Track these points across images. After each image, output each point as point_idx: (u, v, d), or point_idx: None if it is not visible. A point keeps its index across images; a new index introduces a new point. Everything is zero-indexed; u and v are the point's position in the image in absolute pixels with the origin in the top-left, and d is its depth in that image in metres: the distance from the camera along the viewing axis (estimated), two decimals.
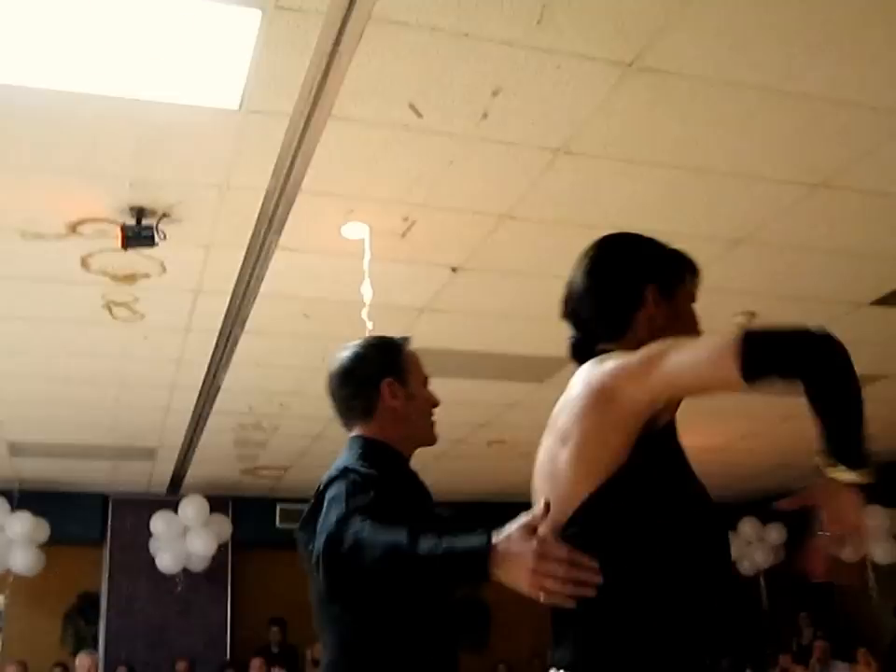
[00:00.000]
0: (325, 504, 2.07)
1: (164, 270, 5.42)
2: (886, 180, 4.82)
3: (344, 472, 2.19)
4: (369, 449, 2.36)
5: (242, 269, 5.40)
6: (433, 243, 5.24)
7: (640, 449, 1.83)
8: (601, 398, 1.86)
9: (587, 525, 1.83)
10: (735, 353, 1.69)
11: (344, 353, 2.47)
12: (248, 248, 5.14)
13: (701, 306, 7.33)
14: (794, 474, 9.77)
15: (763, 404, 8.37)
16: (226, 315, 6.13)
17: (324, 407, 8.58)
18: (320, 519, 2.02)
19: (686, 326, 2.11)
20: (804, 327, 1.70)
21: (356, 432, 2.45)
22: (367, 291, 5.02)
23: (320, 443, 9.30)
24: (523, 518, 1.82)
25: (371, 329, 4.93)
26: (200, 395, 7.74)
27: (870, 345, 7.20)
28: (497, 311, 6.32)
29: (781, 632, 12.15)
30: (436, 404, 2.54)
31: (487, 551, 1.78)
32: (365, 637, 2.20)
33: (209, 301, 5.92)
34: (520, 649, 11.57)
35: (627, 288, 2.05)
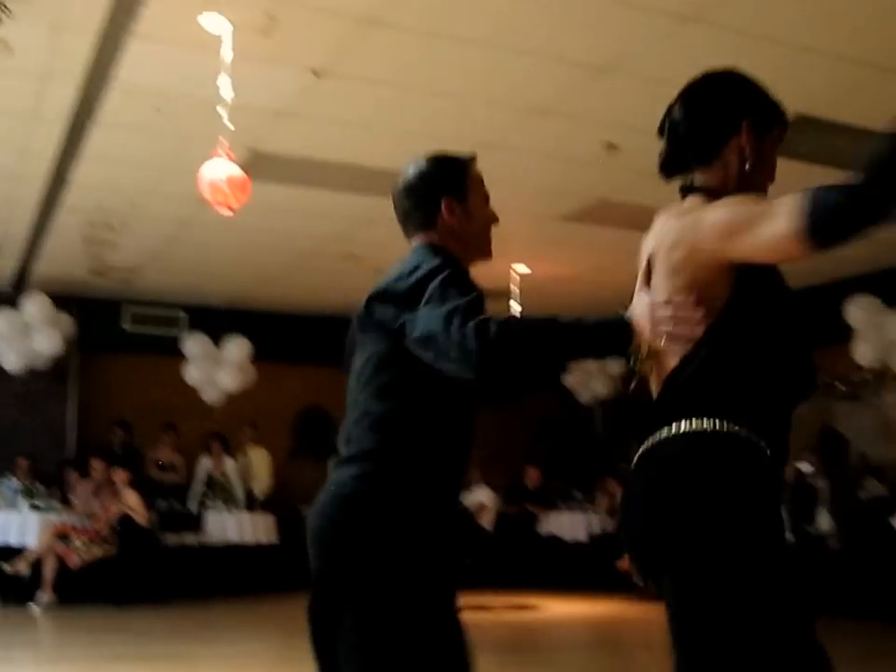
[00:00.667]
0: (435, 292, 2.12)
1: (10, 50, 5.02)
2: (752, 20, 4.82)
3: (442, 265, 2.22)
4: (440, 251, 2.36)
5: (92, 55, 5.04)
6: (297, 43, 4.99)
7: (740, 288, 2.06)
8: (693, 250, 2.05)
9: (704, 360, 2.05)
10: (807, 231, 1.89)
11: (411, 167, 2.49)
12: (99, 33, 4.79)
13: (563, 133, 7.32)
14: None
15: (610, 237, 8.53)
16: (75, 105, 5.76)
17: (177, 209, 8.30)
18: (434, 306, 2.09)
19: (767, 172, 2.20)
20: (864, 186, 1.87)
21: (419, 241, 2.44)
22: (226, 89, 4.77)
23: (174, 247, 9.05)
24: (638, 282, 2.13)
25: (229, 129, 4.72)
26: (46, 188, 7.36)
27: None
28: (360, 121, 6.13)
29: (613, 458, 12.86)
30: (495, 222, 2.53)
31: (623, 321, 2.09)
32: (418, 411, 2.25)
33: (57, 89, 5.54)
34: None
35: (726, 115, 2.16)
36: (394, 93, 5.61)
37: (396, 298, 2.20)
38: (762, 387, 2.06)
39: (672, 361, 2.07)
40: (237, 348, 10.73)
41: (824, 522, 8.97)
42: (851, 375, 10.78)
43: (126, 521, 9.41)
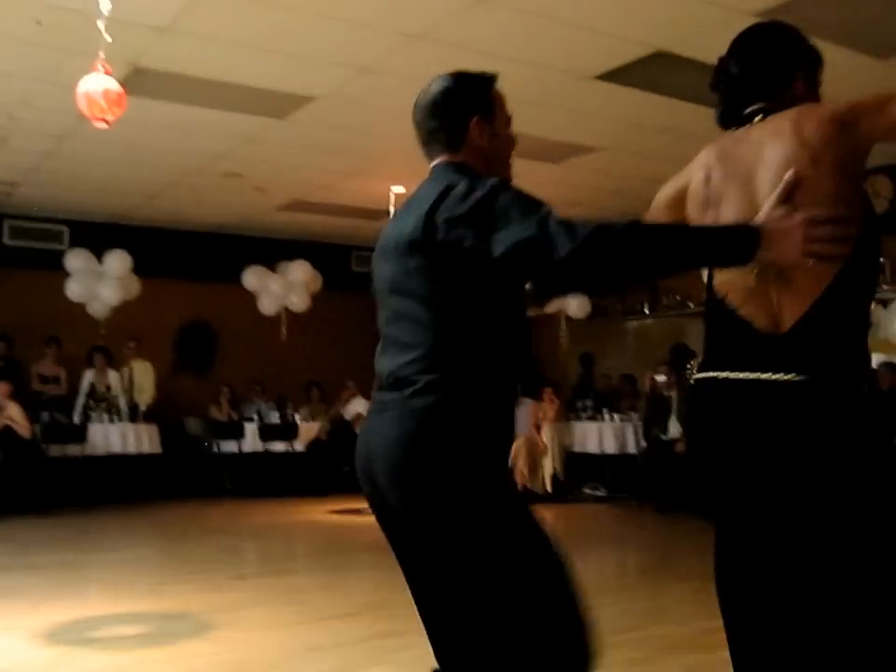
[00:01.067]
0: (513, 204, 1.99)
1: None
2: None
3: (502, 182, 2.07)
4: (469, 169, 2.19)
5: None
6: None
7: (868, 211, 2.08)
8: (842, 126, 2.02)
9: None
10: None
11: (433, 84, 2.28)
12: None
13: (437, 61, 7.35)
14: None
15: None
16: None
17: (57, 122, 8.06)
18: (521, 216, 1.96)
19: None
20: None
21: (443, 159, 2.26)
22: (104, 2, 4.62)
23: (54, 161, 8.76)
24: (773, 197, 2.03)
25: (108, 43, 4.59)
26: None
27: (591, 118, 7.53)
28: (242, 40, 6.01)
29: None
30: (515, 145, 2.35)
31: (758, 231, 1.94)
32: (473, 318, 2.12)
33: None
34: (242, 374, 11.88)
35: (785, 58, 2.24)
36: (276, 14, 5.53)
37: (464, 219, 2.02)
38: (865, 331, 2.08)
39: (808, 283, 1.99)
40: (119, 262, 10.52)
41: (674, 428, 9.43)
42: (701, 295, 11.24)
43: (8, 433, 9.25)
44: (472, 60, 6.28)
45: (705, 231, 2.07)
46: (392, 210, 9.94)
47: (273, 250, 11.96)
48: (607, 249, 1.91)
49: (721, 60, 2.32)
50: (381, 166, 8.95)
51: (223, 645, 4.22)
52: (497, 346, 2.11)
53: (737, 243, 1.95)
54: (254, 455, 11.09)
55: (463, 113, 2.23)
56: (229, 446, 11.10)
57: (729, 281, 2.16)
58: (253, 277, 11.49)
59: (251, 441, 11.10)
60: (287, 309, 11.69)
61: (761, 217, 2.01)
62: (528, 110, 7.13)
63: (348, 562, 6.79)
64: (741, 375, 2.04)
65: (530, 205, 1.98)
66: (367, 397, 11.83)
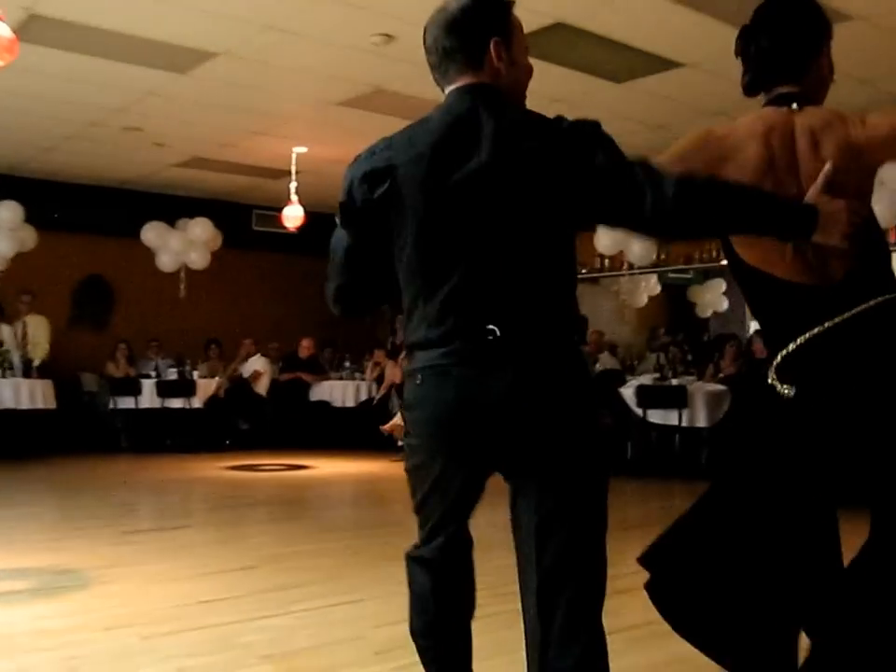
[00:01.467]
0: (599, 147, 1.93)
1: None
2: None
3: (595, 125, 1.98)
4: (505, 98, 2.06)
5: None
6: None
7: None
8: (855, 146, 2.22)
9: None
10: None
11: (450, 4, 2.10)
12: None
13: (340, 23, 7.21)
14: None
15: (385, 124, 8.53)
16: None
17: None
18: (610, 166, 1.92)
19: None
20: None
21: (466, 81, 2.08)
22: None
23: None
24: (819, 182, 2.14)
25: None
26: None
27: None
28: None
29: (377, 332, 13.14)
30: (531, 75, 2.20)
31: (816, 211, 2.06)
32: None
33: None
34: (140, 331, 11.60)
35: (814, 34, 2.36)
36: None
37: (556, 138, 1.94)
38: None
39: (842, 253, 2.17)
40: (11, 213, 10.07)
41: None
42: (594, 261, 11.42)
43: None
44: (372, 20, 6.24)
45: (778, 200, 2.13)
46: (294, 170, 9.79)
47: (173, 207, 11.64)
48: (693, 203, 1.94)
49: (748, 30, 2.39)
50: (283, 126, 8.77)
51: (116, 599, 4.13)
52: (571, 293, 2.09)
53: (802, 218, 2.06)
54: (151, 411, 10.85)
55: (483, 32, 2.07)
56: (125, 402, 10.85)
57: (760, 255, 2.29)
58: (152, 233, 11.16)
59: (148, 397, 10.87)
60: (186, 266, 11.42)
61: (810, 198, 2.12)
62: (424, 75, 7.07)
63: (245, 517, 6.72)
64: (819, 329, 2.23)
65: (622, 156, 1.95)
66: (265, 354, 11.72)
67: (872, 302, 2.18)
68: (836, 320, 2.18)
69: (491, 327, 1.95)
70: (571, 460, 2.00)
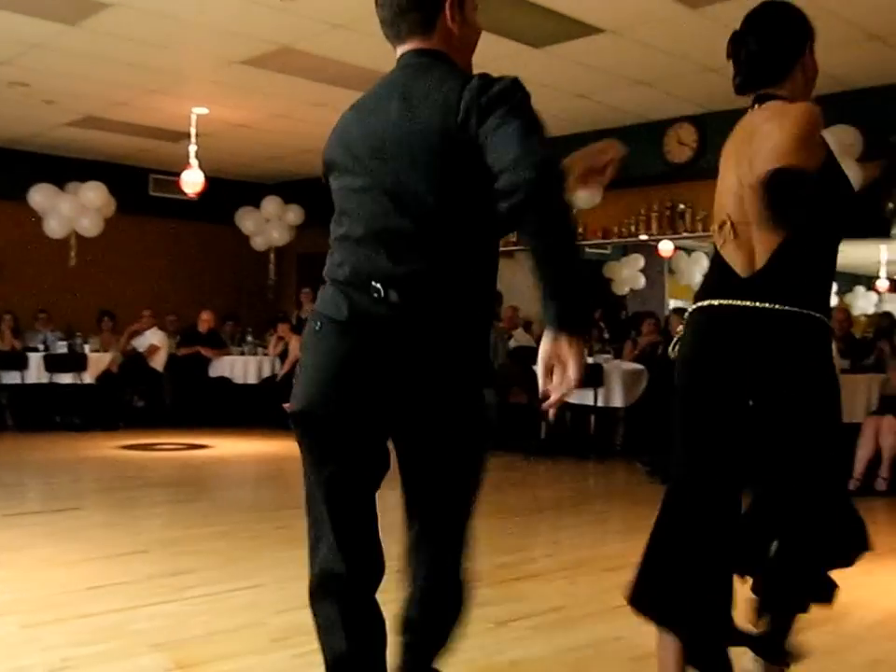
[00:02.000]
0: (512, 111, 1.88)
1: None
2: None
3: (515, 83, 1.93)
4: (453, 62, 2.05)
5: None
6: None
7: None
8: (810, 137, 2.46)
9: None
10: None
11: None
12: None
13: None
14: (315, 160, 10.07)
15: (292, 85, 8.41)
16: None
17: None
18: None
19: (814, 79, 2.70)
20: None
21: (415, 45, 2.08)
22: None
23: None
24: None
25: None
26: None
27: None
28: None
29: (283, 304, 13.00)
30: (479, 35, 2.20)
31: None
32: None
33: None
34: (27, 301, 11.26)
35: (796, 38, 2.62)
36: None
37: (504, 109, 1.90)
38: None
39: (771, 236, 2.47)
40: None
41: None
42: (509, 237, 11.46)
43: None
44: None
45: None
46: (193, 132, 9.58)
47: (63, 169, 11.28)
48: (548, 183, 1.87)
49: (739, 34, 2.64)
50: (182, 84, 8.55)
51: (1, 585, 4.02)
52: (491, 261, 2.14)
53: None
54: (38, 386, 10.54)
55: None
56: (11, 377, 10.52)
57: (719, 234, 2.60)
58: (40, 196, 10.79)
59: (35, 372, 10.56)
60: (76, 233, 11.10)
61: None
62: (343, 34, 6.98)
63: (138, 499, 6.59)
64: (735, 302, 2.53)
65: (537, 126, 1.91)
66: (162, 328, 11.48)
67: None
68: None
69: (376, 285, 2.00)
70: (448, 429, 2.08)
